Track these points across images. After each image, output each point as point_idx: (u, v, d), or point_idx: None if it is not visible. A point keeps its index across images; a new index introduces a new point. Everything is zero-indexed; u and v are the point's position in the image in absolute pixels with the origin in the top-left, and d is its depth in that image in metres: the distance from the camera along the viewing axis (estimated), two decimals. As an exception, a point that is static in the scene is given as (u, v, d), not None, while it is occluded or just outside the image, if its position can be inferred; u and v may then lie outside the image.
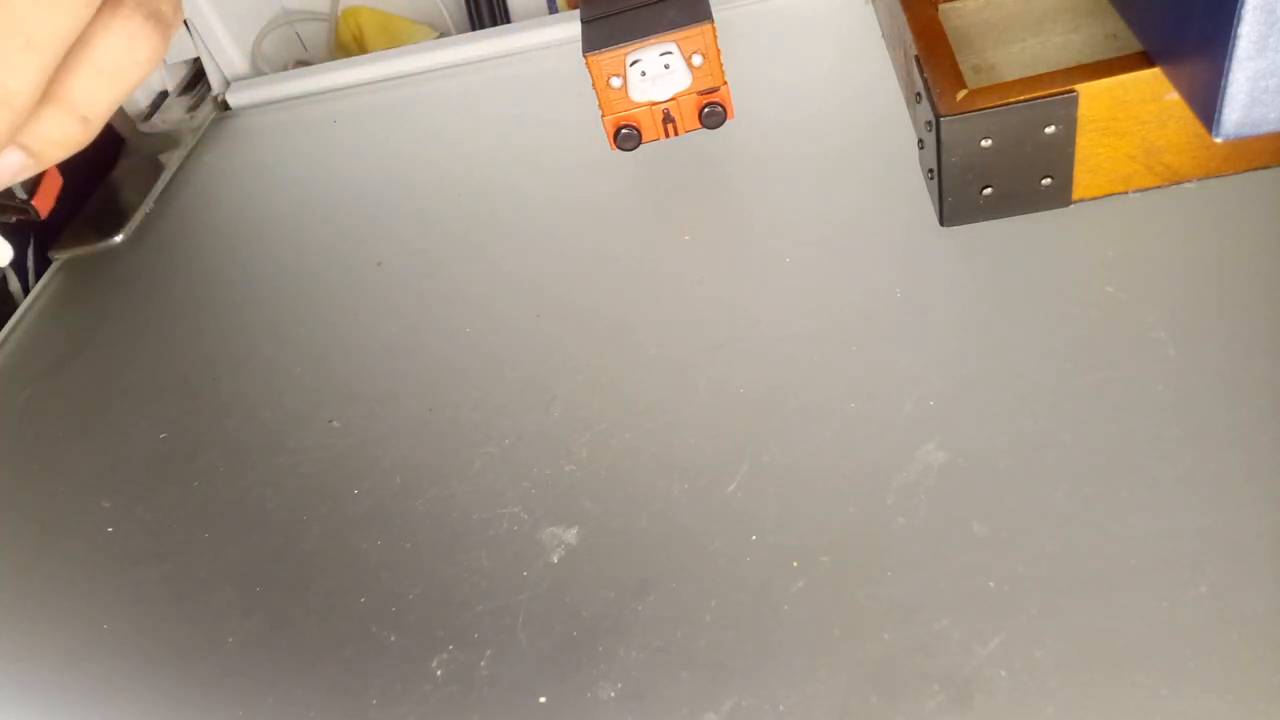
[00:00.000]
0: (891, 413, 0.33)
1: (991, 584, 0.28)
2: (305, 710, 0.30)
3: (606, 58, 0.42)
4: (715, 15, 0.42)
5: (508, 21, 0.65)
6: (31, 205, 0.33)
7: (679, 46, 0.42)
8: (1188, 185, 0.37)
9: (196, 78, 0.66)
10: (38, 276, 0.54)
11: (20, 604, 0.36)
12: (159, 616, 0.34)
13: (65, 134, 0.21)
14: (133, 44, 0.20)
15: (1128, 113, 0.35)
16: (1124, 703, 0.25)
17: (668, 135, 0.45)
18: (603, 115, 0.44)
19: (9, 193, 0.32)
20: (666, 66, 0.42)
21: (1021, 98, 0.34)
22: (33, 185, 0.33)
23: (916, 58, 0.38)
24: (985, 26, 0.41)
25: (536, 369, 0.39)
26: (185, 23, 0.63)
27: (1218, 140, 0.30)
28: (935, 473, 0.31)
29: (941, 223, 0.38)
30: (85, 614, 0.35)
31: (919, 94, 0.38)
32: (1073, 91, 0.34)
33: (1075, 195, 0.37)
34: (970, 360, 0.33)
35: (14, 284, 0.53)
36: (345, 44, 0.69)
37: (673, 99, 0.43)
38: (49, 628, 0.35)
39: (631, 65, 0.42)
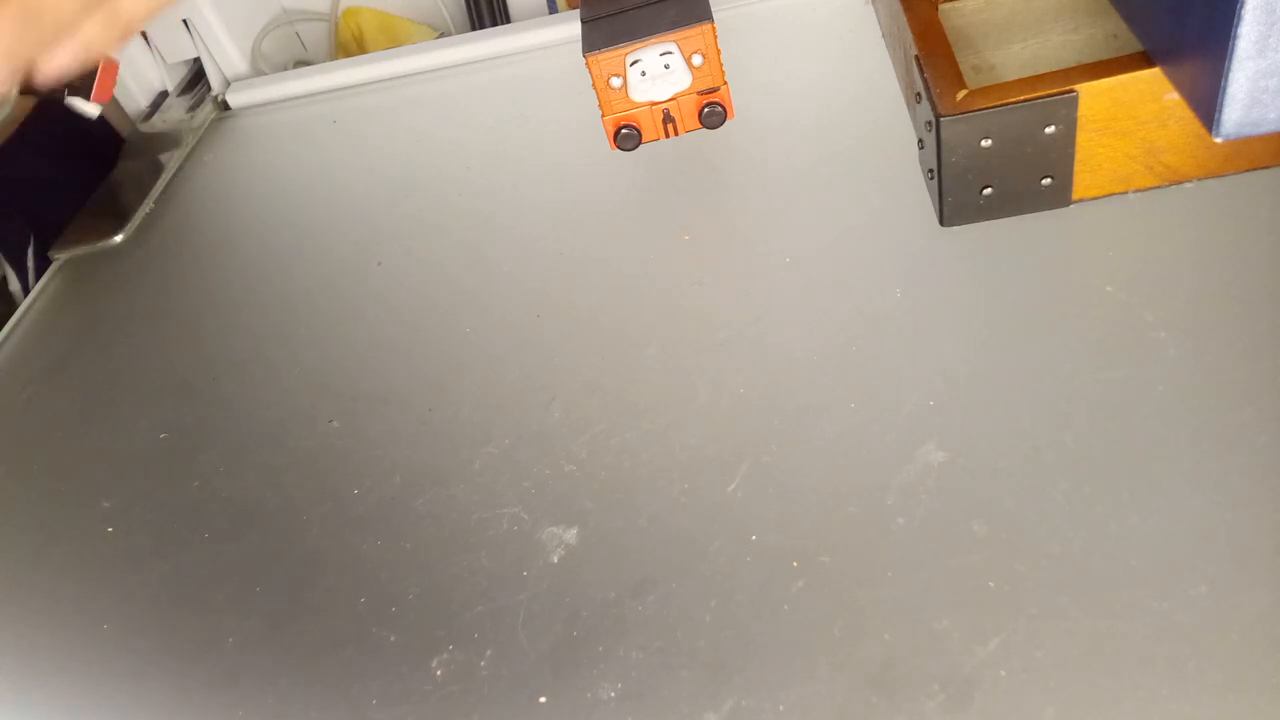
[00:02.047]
0: (891, 413, 0.33)
1: (991, 584, 0.28)
2: (305, 710, 0.30)
3: (606, 58, 0.42)
4: (715, 15, 0.42)
5: (508, 22, 0.65)
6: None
7: (679, 46, 0.42)
8: (1188, 185, 0.37)
9: (196, 78, 0.66)
10: (38, 276, 0.54)
11: (21, 604, 0.36)
12: (159, 616, 0.34)
13: None
14: None
15: (1128, 113, 0.35)
16: (1124, 703, 0.25)
17: (668, 135, 0.45)
18: (603, 115, 0.44)
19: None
20: (666, 66, 0.42)
21: (1021, 98, 0.34)
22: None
23: (916, 58, 0.38)
24: (985, 26, 0.41)
25: (536, 369, 0.39)
26: (185, 22, 0.63)
27: (1218, 140, 0.30)
28: (935, 473, 0.31)
29: (941, 223, 0.38)
30: (85, 614, 0.35)
31: (919, 94, 0.38)
32: (1073, 91, 0.34)
33: (1075, 195, 0.37)
34: (970, 360, 0.34)
35: (14, 284, 0.53)
36: (345, 44, 0.70)
37: (673, 99, 0.43)
38: (49, 628, 0.35)
39: (631, 65, 0.42)
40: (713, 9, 0.42)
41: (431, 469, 0.36)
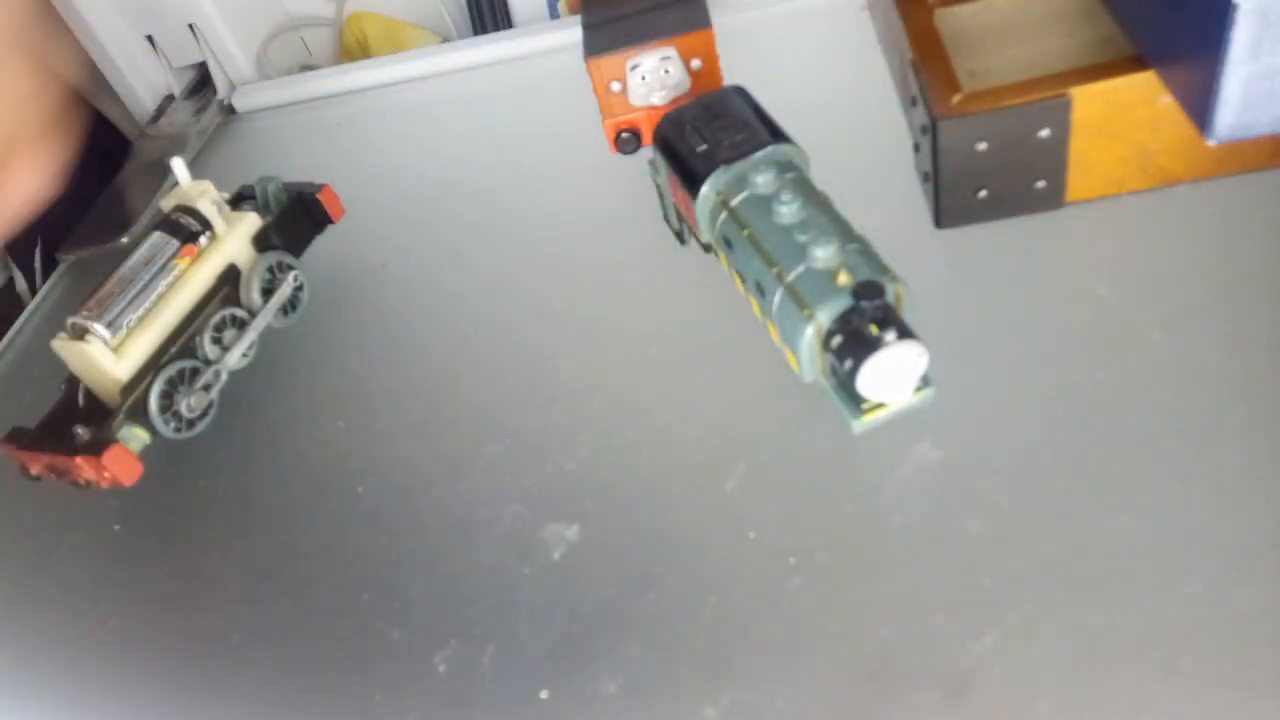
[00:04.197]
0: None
1: (986, 581, 0.28)
2: (310, 705, 0.31)
3: (607, 62, 0.42)
4: (714, 21, 0.42)
5: (510, 27, 0.66)
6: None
7: (678, 51, 0.42)
8: (1181, 187, 0.37)
9: (202, 81, 0.66)
10: (44, 277, 0.54)
11: (27, 601, 0.37)
12: (164, 613, 0.35)
13: None
14: None
15: (1121, 116, 0.35)
16: (1118, 699, 0.26)
17: (668, 138, 0.45)
18: (603, 119, 0.44)
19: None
20: (666, 71, 0.42)
21: (1016, 101, 0.35)
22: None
23: (912, 62, 0.38)
24: (980, 31, 0.42)
25: (538, 369, 0.39)
26: (191, 27, 0.64)
27: (1211, 143, 0.30)
28: (930, 471, 0.31)
29: (937, 225, 0.39)
30: (91, 611, 0.35)
31: (914, 98, 0.38)
32: (1066, 95, 0.34)
33: (1069, 198, 0.37)
34: (965, 361, 0.34)
35: (21, 284, 0.54)
36: (350, 49, 0.70)
37: (672, 103, 0.44)
38: (56, 624, 0.36)
39: (631, 70, 0.42)
40: (712, 15, 0.43)
41: (434, 467, 0.36)
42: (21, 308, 0.52)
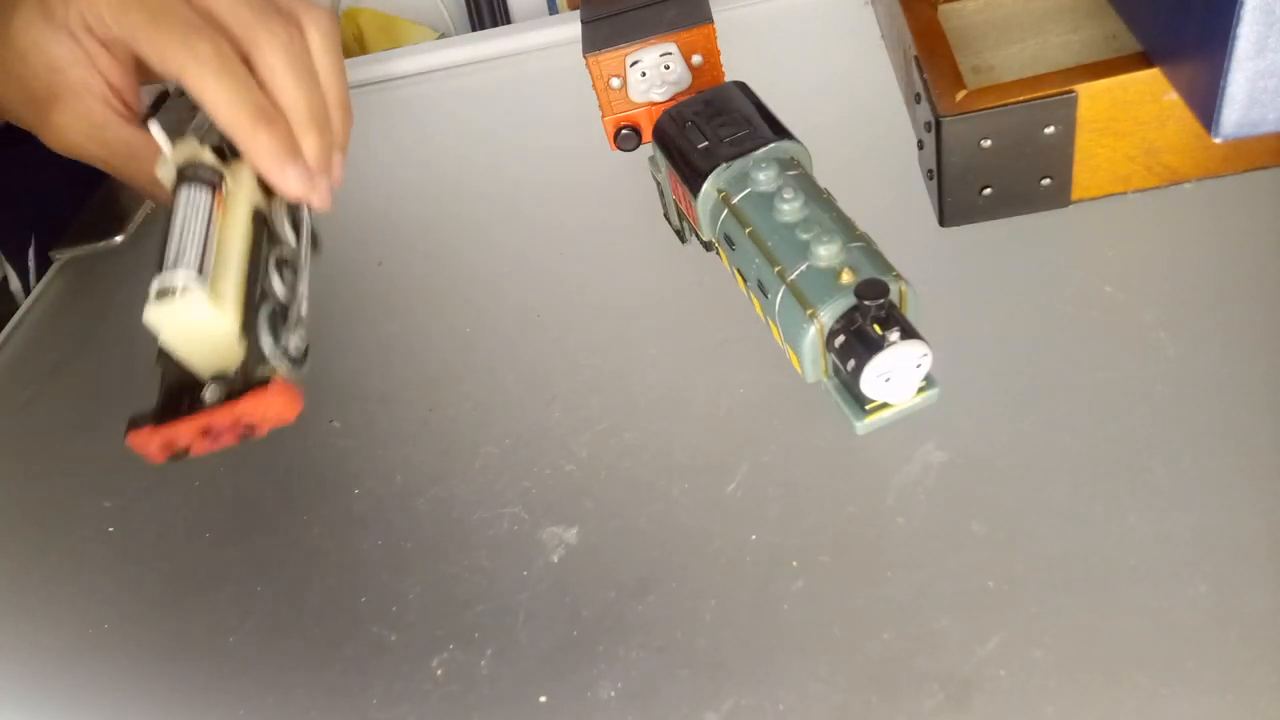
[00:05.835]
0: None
1: (991, 584, 0.28)
2: (306, 709, 0.30)
3: (606, 58, 0.42)
4: (715, 16, 0.42)
5: (508, 22, 0.65)
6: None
7: (679, 47, 0.42)
8: (1186, 185, 0.37)
9: (198, 77, 0.66)
10: (39, 276, 0.54)
11: (21, 603, 0.37)
12: (160, 616, 0.34)
13: None
14: None
15: (1127, 113, 0.35)
16: (1123, 702, 0.25)
17: (668, 135, 0.45)
18: (603, 115, 0.44)
19: None
20: (666, 67, 0.42)
21: (1021, 98, 0.34)
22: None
23: (916, 58, 0.38)
24: (985, 27, 0.41)
25: (536, 369, 0.39)
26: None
27: (1217, 140, 0.30)
28: (934, 472, 0.31)
29: (941, 223, 0.38)
30: (86, 613, 0.35)
31: (918, 95, 0.38)
32: (1072, 92, 0.34)
33: (1074, 195, 0.37)
34: (969, 360, 0.34)
35: (15, 283, 0.53)
36: (346, 44, 0.70)
37: (672, 100, 0.43)
38: (50, 627, 0.35)
39: (631, 66, 0.42)
40: (713, 10, 0.42)
41: (432, 469, 0.36)
42: (16, 307, 0.52)
